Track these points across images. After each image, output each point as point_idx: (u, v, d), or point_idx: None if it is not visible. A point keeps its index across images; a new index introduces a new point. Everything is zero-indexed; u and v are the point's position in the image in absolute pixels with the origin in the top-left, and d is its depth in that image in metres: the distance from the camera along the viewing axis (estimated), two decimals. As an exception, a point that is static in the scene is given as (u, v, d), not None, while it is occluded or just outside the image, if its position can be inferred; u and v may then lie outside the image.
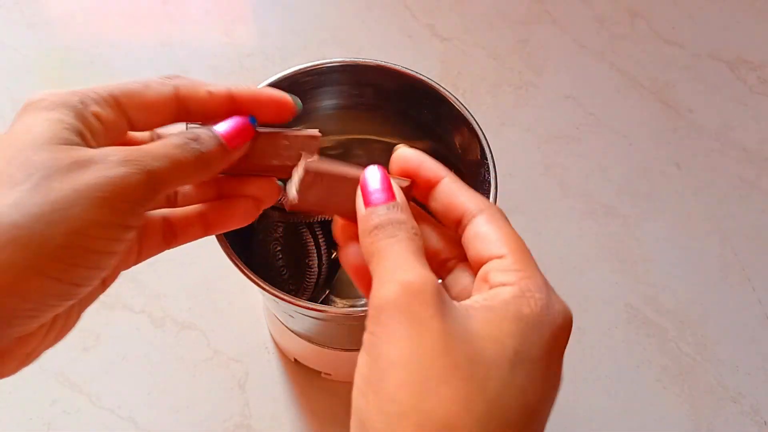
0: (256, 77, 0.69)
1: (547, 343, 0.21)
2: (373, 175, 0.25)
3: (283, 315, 0.46)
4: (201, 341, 0.56)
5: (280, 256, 0.48)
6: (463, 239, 0.25)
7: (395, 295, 0.21)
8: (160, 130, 0.27)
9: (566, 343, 0.22)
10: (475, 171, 0.41)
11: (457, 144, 0.43)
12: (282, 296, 0.35)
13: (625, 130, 0.68)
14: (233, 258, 0.36)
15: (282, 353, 0.55)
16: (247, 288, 0.36)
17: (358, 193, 0.25)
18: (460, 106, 0.41)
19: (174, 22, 0.73)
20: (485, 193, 0.38)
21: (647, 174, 0.66)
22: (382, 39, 0.73)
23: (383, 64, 0.42)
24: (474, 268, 0.24)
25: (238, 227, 0.29)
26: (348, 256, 0.26)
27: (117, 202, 0.22)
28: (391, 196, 0.24)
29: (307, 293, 0.47)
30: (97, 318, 0.56)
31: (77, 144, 0.23)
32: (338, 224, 0.27)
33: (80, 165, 0.22)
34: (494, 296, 0.22)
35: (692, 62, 0.72)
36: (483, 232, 0.24)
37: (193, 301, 0.57)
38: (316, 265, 0.47)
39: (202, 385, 0.54)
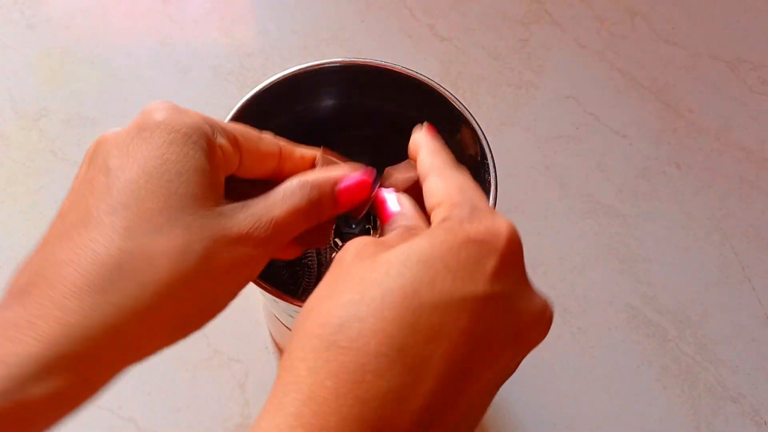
0: (256, 77, 0.69)
1: (459, 246, 0.21)
2: (381, 198, 0.28)
3: (283, 315, 0.46)
4: (201, 341, 0.56)
5: (280, 256, 0.48)
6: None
7: (341, 250, 0.24)
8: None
9: (500, 254, 0.21)
10: (475, 171, 0.41)
11: (457, 144, 0.43)
12: (282, 296, 0.35)
13: (625, 130, 0.68)
14: (233, 258, 0.36)
15: (282, 353, 0.55)
16: (247, 288, 0.36)
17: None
18: (460, 106, 0.41)
19: (174, 22, 0.73)
20: (485, 193, 0.38)
21: (647, 174, 0.66)
22: (382, 39, 0.73)
23: (383, 64, 0.42)
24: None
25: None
26: None
27: (250, 275, 0.25)
28: (394, 209, 0.27)
29: (307, 293, 0.47)
30: (97, 318, 0.56)
31: (219, 201, 0.24)
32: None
33: (230, 242, 0.23)
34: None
35: (692, 62, 0.72)
36: (428, 188, 0.25)
37: (193, 301, 0.57)
38: (315, 265, 0.47)
39: (202, 385, 0.54)
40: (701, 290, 0.60)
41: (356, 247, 0.23)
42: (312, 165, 0.29)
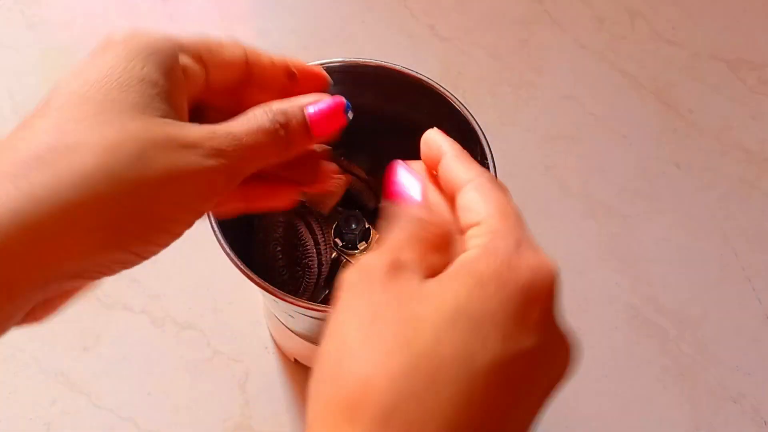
0: (256, 77, 0.69)
1: (507, 298, 0.20)
2: (394, 172, 0.26)
3: (283, 315, 0.46)
4: (201, 341, 0.56)
5: (280, 256, 0.48)
6: (456, 213, 0.24)
7: (347, 276, 0.22)
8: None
9: (543, 301, 0.20)
10: (475, 171, 0.41)
11: (457, 144, 0.43)
12: (282, 296, 0.35)
13: (625, 130, 0.68)
14: (233, 258, 0.36)
15: (282, 353, 0.55)
16: (247, 288, 0.36)
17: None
18: (460, 106, 0.41)
19: (174, 22, 0.73)
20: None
21: (647, 174, 0.66)
22: (382, 39, 0.73)
23: (383, 64, 0.42)
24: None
25: (279, 209, 0.29)
26: None
27: (202, 191, 0.22)
28: (405, 190, 0.25)
29: (307, 293, 0.47)
30: (97, 318, 0.56)
31: (169, 115, 0.22)
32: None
33: (174, 147, 0.21)
34: (458, 260, 0.22)
35: (692, 62, 0.72)
36: (466, 202, 0.23)
37: (193, 301, 0.57)
38: (316, 265, 0.47)
39: (202, 385, 0.54)
40: (701, 290, 0.60)
41: (382, 274, 0.21)
42: (287, 73, 0.27)
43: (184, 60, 0.24)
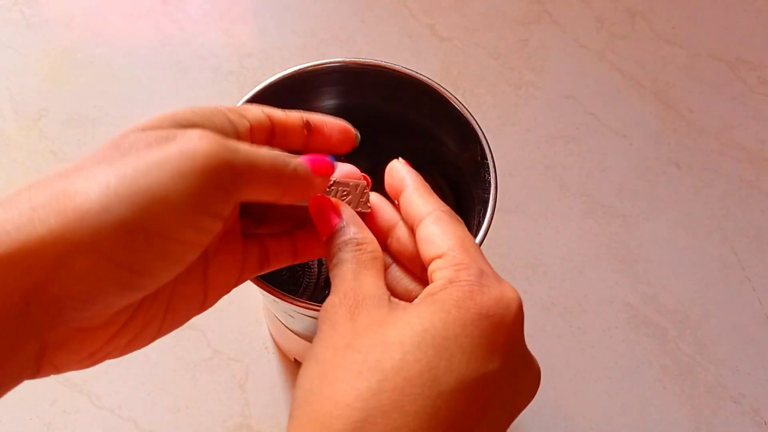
0: (256, 77, 0.69)
1: (471, 323, 0.21)
2: (319, 204, 0.26)
3: (283, 315, 0.46)
4: (201, 341, 0.56)
5: (280, 256, 0.48)
6: (417, 245, 0.26)
7: (324, 310, 0.24)
8: None
9: (508, 327, 0.22)
10: (475, 171, 0.41)
11: (458, 144, 0.43)
12: (282, 296, 0.35)
13: (625, 130, 0.68)
14: (233, 258, 0.36)
15: (282, 353, 0.55)
16: (247, 288, 0.36)
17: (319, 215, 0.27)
18: (460, 106, 0.41)
19: (174, 22, 0.73)
20: (485, 193, 0.38)
21: (647, 174, 0.66)
22: (382, 39, 0.73)
23: (383, 64, 0.42)
24: (427, 269, 0.25)
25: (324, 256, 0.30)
26: (390, 248, 0.28)
27: (191, 178, 0.19)
28: (337, 219, 0.26)
29: (307, 293, 0.47)
30: (97, 318, 0.56)
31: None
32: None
33: (162, 140, 0.21)
34: (425, 291, 0.23)
35: (692, 62, 0.72)
36: (426, 235, 0.25)
37: (193, 301, 0.57)
38: (316, 265, 0.47)
39: (202, 385, 0.54)
40: (701, 290, 0.60)
41: (348, 309, 0.22)
42: (303, 124, 0.28)
43: (232, 116, 0.25)
